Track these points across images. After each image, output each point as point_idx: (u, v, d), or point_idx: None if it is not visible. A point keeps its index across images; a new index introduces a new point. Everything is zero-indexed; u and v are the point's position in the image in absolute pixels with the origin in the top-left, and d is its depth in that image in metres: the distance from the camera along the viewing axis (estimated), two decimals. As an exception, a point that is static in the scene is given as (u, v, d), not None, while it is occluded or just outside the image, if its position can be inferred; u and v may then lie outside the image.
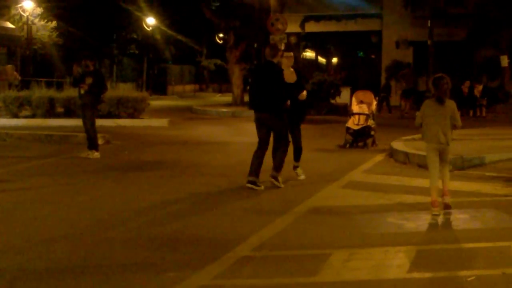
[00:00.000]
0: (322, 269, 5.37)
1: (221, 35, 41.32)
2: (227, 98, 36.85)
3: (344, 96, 24.95)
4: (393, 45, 33.12)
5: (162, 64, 49.55)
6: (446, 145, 7.44)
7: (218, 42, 45.16)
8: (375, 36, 35.60)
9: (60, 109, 19.85)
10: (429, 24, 29.35)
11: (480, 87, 25.71)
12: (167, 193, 8.81)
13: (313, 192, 8.80)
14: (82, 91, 12.15)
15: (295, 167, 9.98)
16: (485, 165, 10.79)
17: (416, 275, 5.25)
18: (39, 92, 20.37)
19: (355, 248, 6.00)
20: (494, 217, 7.40)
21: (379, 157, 12.50)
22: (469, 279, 5.13)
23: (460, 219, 7.28)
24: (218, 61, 51.08)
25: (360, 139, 14.24)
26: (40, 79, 25.21)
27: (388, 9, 33.14)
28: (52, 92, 20.63)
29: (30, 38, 29.89)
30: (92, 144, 12.26)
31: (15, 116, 19.70)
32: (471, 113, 24.81)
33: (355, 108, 14.74)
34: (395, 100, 27.65)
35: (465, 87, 25.20)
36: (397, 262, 5.58)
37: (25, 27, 29.68)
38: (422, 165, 10.41)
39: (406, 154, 11.62)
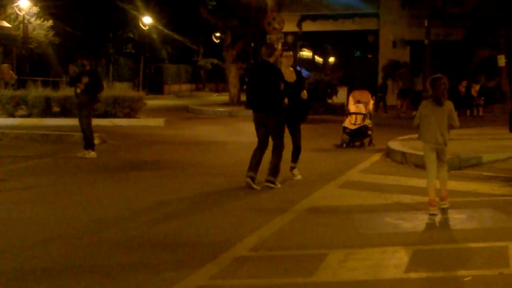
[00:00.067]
0: (319, 269, 5.36)
1: (218, 34, 41.36)
2: (224, 97, 36.87)
3: (341, 95, 24.94)
4: (390, 45, 33.13)
5: (158, 63, 49.51)
6: (443, 145, 7.45)
7: (215, 42, 45.16)
8: (372, 36, 35.60)
9: (56, 109, 19.83)
10: (426, 24, 29.37)
11: (477, 87, 25.74)
12: (164, 193, 8.79)
13: (310, 192, 8.79)
14: (79, 91, 12.13)
15: (292, 168, 9.96)
16: (482, 165, 10.79)
17: (413, 275, 5.24)
18: (35, 92, 20.35)
19: (352, 248, 5.99)
20: (491, 217, 7.40)
21: (376, 157, 12.50)
22: (466, 279, 5.13)
23: (457, 219, 7.28)
24: (215, 61, 51.11)
25: (357, 138, 14.23)
26: (36, 78, 25.15)
27: (385, 9, 33.15)
28: (48, 92, 20.61)
29: (26, 37, 29.82)
30: (89, 144, 12.23)
31: (11, 115, 19.68)
32: (468, 112, 24.83)
33: (352, 107, 14.73)
34: (392, 99, 27.67)
35: (462, 86, 25.22)
36: (394, 262, 5.57)
37: (21, 26, 29.61)
38: (419, 165, 10.41)
39: (403, 154, 11.62)
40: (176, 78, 51.96)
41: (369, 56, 38.97)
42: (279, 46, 20.33)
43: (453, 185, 8.64)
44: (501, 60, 28.13)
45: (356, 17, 34.37)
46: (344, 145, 14.11)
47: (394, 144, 12.68)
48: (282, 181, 9.36)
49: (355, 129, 14.20)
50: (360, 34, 36.55)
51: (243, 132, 17.51)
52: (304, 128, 10.09)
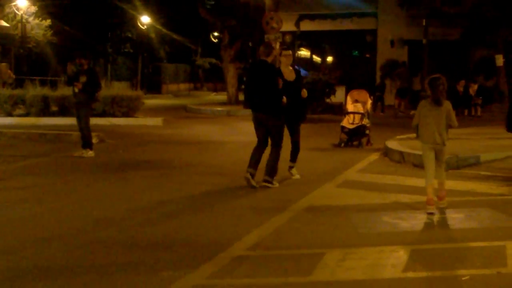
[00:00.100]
0: (317, 268, 5.35)
1: (216, 33, 41.36)
2: (222, 97, 36.83)
3: (339, 95, 24.95)
4: (388, 44, 33.11)
5: (156, 62, 49.45)
6: (442, 145, 7.47)
7: (213, 41, 45.14)
8: (370, 35, 35.57)
9: (54, 108, 19.79)
10: (424, 23, 29.38)
11: (475, 87, 25.75)
12: (162, 192, 8.78)
13: (308, 191, 8.78)
14: (76, 90, 12.12)
15: (290, 168, 9.95)
16: (480, 164, 10.79)
17: (411, 274, 5.24)
18: (33, 91, 20.31)
19: (350, 247, 5.98)
20: (489, 217, 7.39)
21: (374, 156, 12.50)
22: (464, 278, 5.12)
23: (455, 218, 7.28)
24: (213, 60, 51.03)
25: (355, 138, 14.23)
26: (34, 77, 25.07)
27: (383, 8, 33.14)
28: (46, 91, 20.57)
29: (25, 37, 29.77)
30: (87, 143, 12.22)
31: (9, 114, 19.64)
32: (466, 112, 24.84)
33: (350, 107, 14.73)
34: (390, 99, 27.67)
35: (460, 86, 25.23)
36: (392, 261, 5.56)
37: (19, 25, 29.55)
38: (417, 165, 10.41)
39: (401, 153, 11.62)
40: (174, 78, 51.92)
41: (367, 55, 38.93)
42: (277, 46, 20.35)
43: (451, 184, 8.64)
44: (499, 60, 28.15)
45: (354, 17, 34.34)
46: (342, 144, 14.11)
47: (392, 144, 12.68)
48: (280, 181, 9.35)
49: (353, 129, 14.20)
50: (358, 34, 36.51)
51: (241, 132, 17.51)
52: (302, 127, 10.09)
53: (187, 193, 8.73)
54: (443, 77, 7.47)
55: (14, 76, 24.56)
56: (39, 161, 11.81)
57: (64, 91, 19.12)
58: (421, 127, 7.53)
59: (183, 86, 52.67)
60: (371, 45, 35.66)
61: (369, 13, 34.08)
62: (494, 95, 27.48)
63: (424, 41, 29.41)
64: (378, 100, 25.90)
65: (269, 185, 9.01)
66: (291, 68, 9.77)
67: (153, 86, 46.18)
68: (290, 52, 10.11)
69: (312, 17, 35.07)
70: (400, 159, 11.55)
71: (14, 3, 29.43)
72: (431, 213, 7.25)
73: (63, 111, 19.40)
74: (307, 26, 35.39)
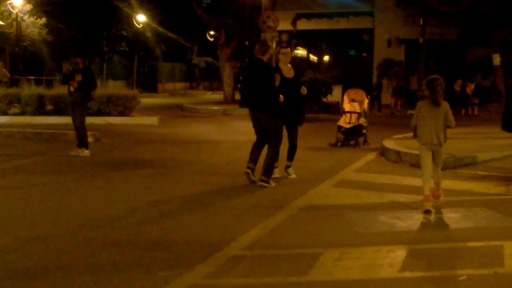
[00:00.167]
0: (314, 268, 5.33)
1: (212, 32, 41.28)
2: (218, 96, 36.80)
3: (335, 94, 24.95)
4: (385, 43, 33.11)
5: (152, 61, 49.41)
6: (438, 146, 7.47)
7: (209, 40, 45.06)
8: (367, 34, 35.58)
9: (49, 107, 19.73)
10: (421, 23, 29.39)
11: (472, 86, 25.79)
12: (158, 192, 8.75)
13: (305, 191, 8.76)
14: (72, 89, 12.09)
15: (287, 167, 9.92)
16: (477, 164, 10.79)
17: (407, 274, 5.22)
18: (29, 90, 20.25)
19: (347, 247, 5.96)
20: (486, 216, 7.38)
21: (371, 156, 12.49)
22: (461, 278, 5.11)
23: (451, 218, 7.27)
24: (209, 59, 51.06)
25: (351, 137, 14.21)
26: (30, 76, 25.03)
27: (380, 7, 33.13)
28: (41, 90, 20.51)
29: (20, 35, 29.66)
30: (82, 142, 12.18)
31: (4, 113, 19.56)
32: (463, 112, 24.87)
33: (346, 106, 14.72)
34: (386, 98, 27.67)
35: (457, 85, 25.26)
36: (388, 261, 5.55)
37: (15, 24, 29.44)
38: (414, 164, 10.41)
39: (398, 153, 11.61)
40: (170, 77, 51.88)
41: (364, 54, 38.94)
42: (274, 45, 20.33)
43: (448, 184, 8.63)
44: (496, 59, 28.16)
45: (351, 16, 34.33)
46: (339, 144, 14.10)
47: (389, 143, 12.67)
48: (277, 180, 9.32)
49: (350, 128, 14.18)
50: (355, 33, 36.50)
51: (237, 131, 17.49)
52: (299, 127, 10.07)
53: (183, 192, 8.70)
54: (441, 78, 7.47)
55: (9, 75, 24.44)
56: (35, 160, 11.77)
57: (60, 90, 19.06)
58: (419, 128, 7.54)
59: (179, 85, 52.64)
60: (368, 44, 35.66)
61: (366, 12, 34.08)
62: (491, 94, 27.49)
63: (421, 40, 29.41)
64: (375, 100, 25.90)
65: (266, 184, 8.98)
66: (289, 65, 9.75)
67: (149, 85, 46.15)
68: (289, 49, 10.09)
69: (308, 16, 35.04)
70: (397, 158, 11.53)
71: (9, 1, 29.32)
72: (428, 211, 7.24)
73: (58, 110, 19.34)
74: (303, 25, 35.37)
